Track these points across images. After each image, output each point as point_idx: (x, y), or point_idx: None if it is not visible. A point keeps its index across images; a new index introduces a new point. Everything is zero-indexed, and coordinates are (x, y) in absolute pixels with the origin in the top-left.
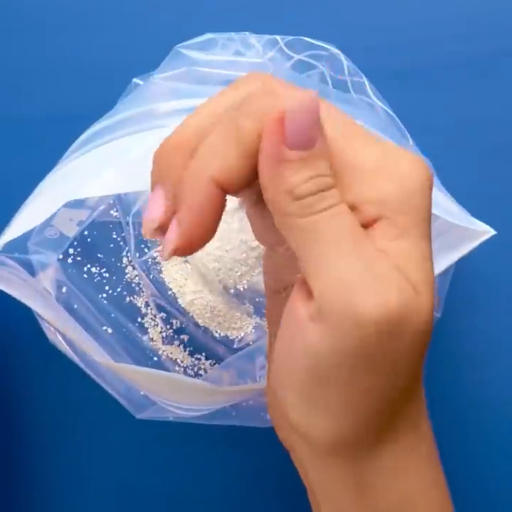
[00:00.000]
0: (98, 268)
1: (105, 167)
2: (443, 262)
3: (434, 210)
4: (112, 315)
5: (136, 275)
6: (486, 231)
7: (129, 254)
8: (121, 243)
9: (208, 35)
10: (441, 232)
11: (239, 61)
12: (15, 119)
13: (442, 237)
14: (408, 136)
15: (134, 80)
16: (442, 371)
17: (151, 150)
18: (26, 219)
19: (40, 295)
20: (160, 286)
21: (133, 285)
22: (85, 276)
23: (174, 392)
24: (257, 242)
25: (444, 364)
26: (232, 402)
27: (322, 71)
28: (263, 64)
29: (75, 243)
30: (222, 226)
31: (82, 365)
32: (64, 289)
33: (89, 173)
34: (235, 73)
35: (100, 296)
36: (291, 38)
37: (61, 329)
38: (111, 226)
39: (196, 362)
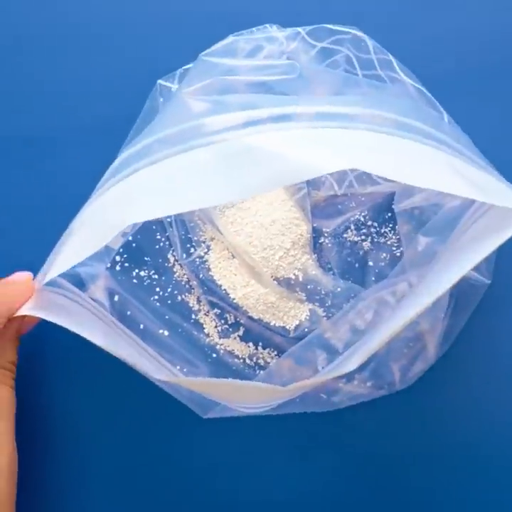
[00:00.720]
0: (146, 271)
1: (171, 184)
2: (489, 244)
3: (467, 190)
4: (166, 316)
5: (185, 273)
6: None
7: (175, 254)
8: (167, 243)
9: (230, 38)
10: (487, 210)
11: (266, 64)
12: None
13: (488, 215)
14: (442, 109)
15: (159, 81)
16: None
17: (209, 165)
18: (85, 243)
19: (91, 319)
20: (210, 284)
21: (183, 283)
22: (135, 281)
23: (239, 396)
24: (288, 227)
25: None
26: (296, 395)
27: (347, 54)
28: (291, 65)
29: (121, 250)
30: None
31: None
32: (116, 298)
33: (157, 190)
34: (262, 78)
35: (152, 298)
36: (312, 27)
37: (116, 354)
38: (154, 227)
39: (254, 351)
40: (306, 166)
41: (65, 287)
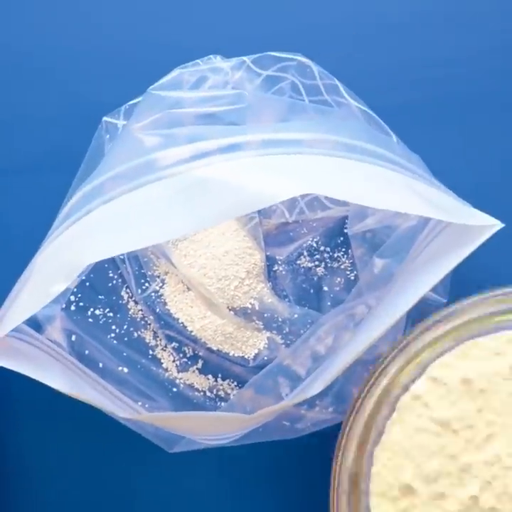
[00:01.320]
0: (101, 309)
1: (126, 221)
2: (447, 263)
3: (425, 210)
4: (124, 353)
5: (140, 309)
6: (492, 224)
7: (128, 290)
8: (120, 280)
9: (177, 71)
10: (443, 228)
11: (213, 95)
12: None
13: (444, 234)
14: (391, 132)
15: (104, 118)
16: None
17: (162, 200)
18: (45, 287)
19: (50, 362)
20: (167, 318)
21: (138, 319)
22: (90, 320)
23: (203, 428)
24: (242, 256)
25: None
26: (261, 423)
27: (292, 81)
28: (238, 95)
29: (75, 289)
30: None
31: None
32: (73, 337)
33: (114, 228)
34: (211, 109)
35: (109, 336)
36: (257, 55)
37: (78, 397)
38: (106, 265)
39: (214, 383)
40: (263, 194)
41: (21, 330)
